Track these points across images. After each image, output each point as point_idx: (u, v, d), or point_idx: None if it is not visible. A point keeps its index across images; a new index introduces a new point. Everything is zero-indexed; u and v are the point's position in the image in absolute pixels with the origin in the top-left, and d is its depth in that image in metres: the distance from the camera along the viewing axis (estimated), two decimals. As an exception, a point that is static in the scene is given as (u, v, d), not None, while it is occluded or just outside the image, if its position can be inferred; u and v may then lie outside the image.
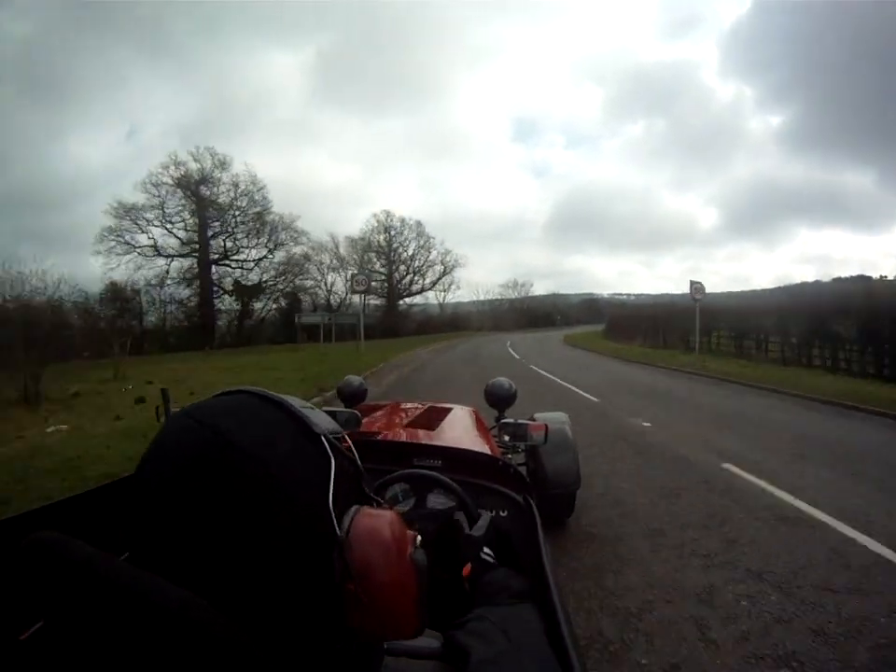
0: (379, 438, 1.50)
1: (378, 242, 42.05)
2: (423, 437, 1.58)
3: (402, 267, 43.18)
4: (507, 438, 1.64)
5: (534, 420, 2.04)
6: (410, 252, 43.35)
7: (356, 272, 33.39)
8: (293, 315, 27.03)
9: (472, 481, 1.09)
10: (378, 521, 0.43)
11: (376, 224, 42.69)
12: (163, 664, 0.28)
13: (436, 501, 1.00)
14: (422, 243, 44.72)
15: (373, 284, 40.71)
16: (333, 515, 0.40)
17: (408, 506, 1.00)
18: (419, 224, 43.58)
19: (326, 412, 1.12)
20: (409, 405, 2.31)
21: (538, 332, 43.06)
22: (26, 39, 34.74)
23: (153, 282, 27.23)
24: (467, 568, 0.87)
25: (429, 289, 44.28)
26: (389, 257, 42.43)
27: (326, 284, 37.22)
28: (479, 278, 53.26)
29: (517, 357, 15.43)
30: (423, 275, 44.16)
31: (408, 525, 0.64)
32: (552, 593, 0.63)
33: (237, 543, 0.36)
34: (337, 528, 0.40)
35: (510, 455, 1.99)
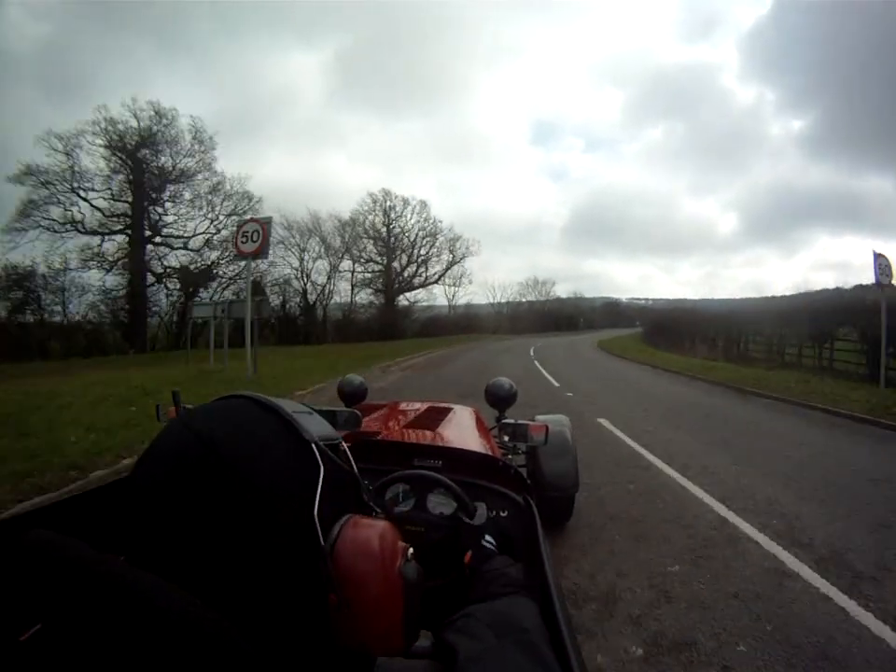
0: (379, 438, 1.54)
1: (373, 224, 36.08)
2: (423, 437, 1.64)
3: (403, 256, 37.12)
4: (506, 438, 1.66)
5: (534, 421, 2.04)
6: (412, 237, 37.28)
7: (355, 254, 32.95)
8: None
9: (472, 481, 1.13)
10: (367, 532, 0.44)
11: (371, 204, 36.65)
12: (162, 664, 0.30)
13: (437, 502, 1.05)
14: (427, 227, 38.52)
15: (367, 275, 36.41)
16: (318, 524, 0.41)
17: (408, 506, 1.05)
18: (424, 205, 37.75)
19: (325, 411, 1.18)
20: (409, 405, 2.37)
21: (561, 337, 39.02)
22: (44, 38, 35.01)
23: (72, 265, 21.88)
24: (468, 556, 0.91)
25: (434, 282, 38.55)
26: (388, 243, 36.24)
27: (306, 273, 31.87)
28: (496, 281, 54.64)
29: (553, 381, 10.49)
30: (427, 266, 38.40)
31: (412, 525, 0.90)
32: (551, 592, 0.65)
33: (219, 549, 0.38)
34: (321, 537, 0.41)
35: (510, 457, 2.07)
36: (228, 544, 0.38)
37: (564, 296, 57.45)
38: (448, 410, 2.21)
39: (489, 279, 56.11)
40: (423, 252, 37.09)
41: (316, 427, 0.47)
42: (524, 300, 52.93)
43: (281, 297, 29.37)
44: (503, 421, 1.75)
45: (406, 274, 36.77)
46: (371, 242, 34.65)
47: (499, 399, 2.53)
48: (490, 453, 1.56)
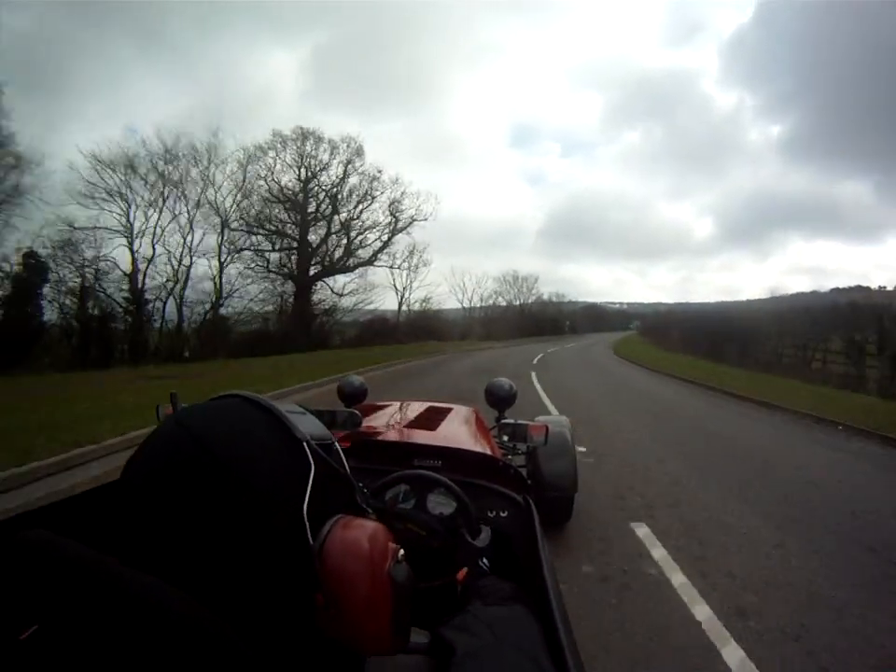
0: (379, 438, 1.61)
1: (277, 181, 24.66)
2: (423, 437, 1.71)
3: (325, 225, 25.86)
4: (506, 438, 1.77)
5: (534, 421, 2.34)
6: (342, 196, 25.63)
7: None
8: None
9: (472, 481, 1.18)
10: (357, 532, 0.45)
11: (279, 146, 24.67)
12: (160, 663, 0.31)
13: (438, 503, 1.09)
14: (363, 186, 26.44)
15: (272, 254, 24.83)
16: (307, 523, 0.43)
17: (408, 506, 1.09)
18: (359, 151, 25.95)
19: (325, 412, 1.39)
20: (409, 405, 2.47)
21: (552, 343, 33.49)
22: (21, 34, 30.42)
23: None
24: (462, 572, 0.94)
25: (369, 262, 26.83)
26: (303, 206, 24.82)
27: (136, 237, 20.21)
28: (468, 281, 50.05)
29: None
30: (362, 239, 26.73)
31: (414, 525, 0.95)
32: (549, 593, 0.68)
33: (211, 547, 0.40)
34: (310, 537, 0.43)
35: (509, 457, 2.25)
36: (219, 542, 0.40)
37: (545, 297, 53.62)
38: (448, 410, 2.32)
39: (464, 280, 49.41)
40: (357, 217, 26.04)
41: (309, 426, 0.49)
42: (501, 300, 47.28)
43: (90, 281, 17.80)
44: (503, 421, 1.85)
45: (332, 251, 25.95)
46: (281, 204, 24.39)
47: (499, 400, 2.65)
48: (490, 453, 1.63)
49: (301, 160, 24.21)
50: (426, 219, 26.57)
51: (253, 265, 22.88)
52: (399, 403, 2.57)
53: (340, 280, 25.81)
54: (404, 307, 29.97)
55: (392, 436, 1.72)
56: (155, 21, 48.69)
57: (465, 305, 41.76)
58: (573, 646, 0.55)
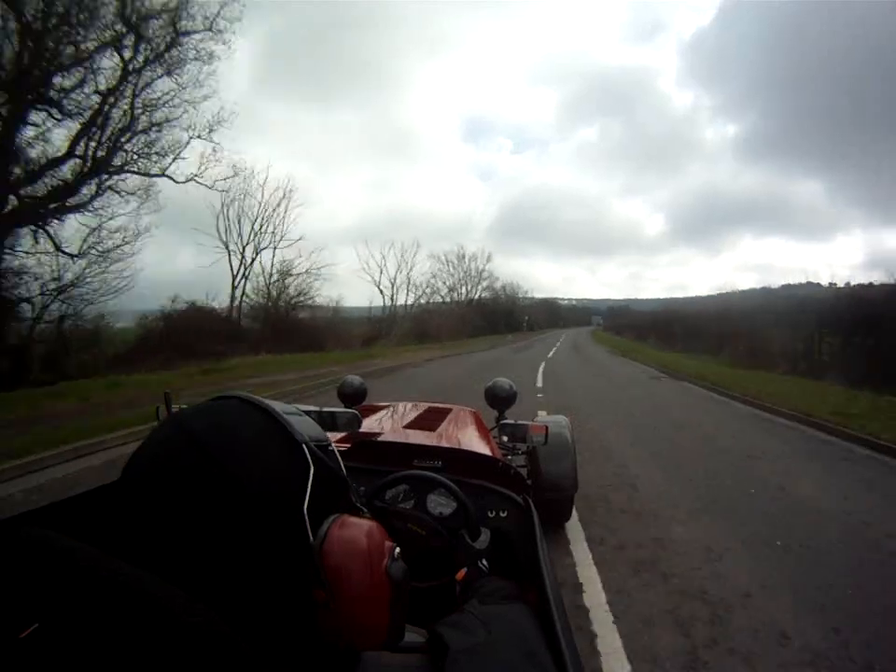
0: (380, 438, 1.63)
1: None
2: (423, 438, 1.74)
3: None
4: (506, 438, 1.78)
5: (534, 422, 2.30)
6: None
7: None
8: None
9: (472, 481, 1.19)
10: (354, 531, 0.46)
11: None
12: (160, 661, 0.32)
13: (438, 503, 1.10)
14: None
15: None
16: (308, 522, 0.44)
17: (408, 506, 1.10)
18: None
19: (326, 412, 1.41)
20: (409, 406, 2.48)
21: (521, 345, 27.39)
22: None
23: None
24: (461, 573, 0.96)
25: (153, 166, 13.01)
26: None
27: None
28: (397, 265, 34.06)
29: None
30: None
31: (414, 525, 0.96)
32: (547, 591, 0.68)
33: (210, 545, 0.41)
34: (310, 535, 0.44)
35: (509, 457, 2.26)
36: (218, 541, 0.41)
37: (499, 287, 44.11)
38: (448, 410, 2.33)
39: (378, 258, 32.03)
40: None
41: (307, 428, 0.50)
42: (441, 287, 35.41)
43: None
44: (503, 422, 1.85)
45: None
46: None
47: (499, 400, 2.61)
48: (490, 453, 1.67)
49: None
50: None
51: None
52: (399, 404, 2.58)
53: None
54: (247, 295, 18.48)
55: (392, 436, 1.73)
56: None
57: (385, 293, 28.89)
58: (572, 644, 0.56)
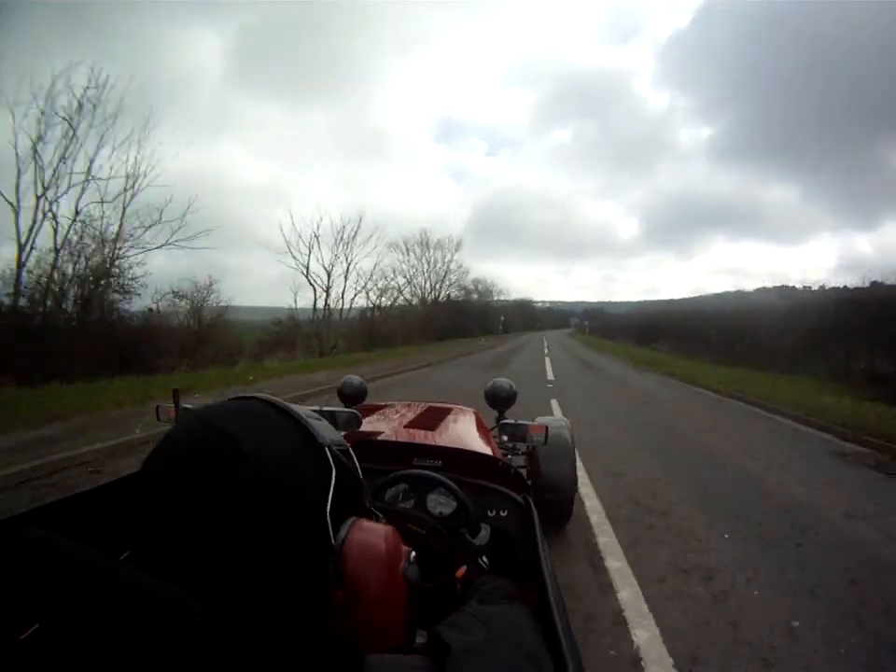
0: (379, 438, 1.63)
1: None
2: (423, 437, 1.74)
3: None
4: (506, 438, 1.80)
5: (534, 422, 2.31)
6: None
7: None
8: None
9: (473, 481, 1.20)
10: (373, 535, 0.48)
11: None
12: (158, 661, 0.32)
13: (438, 502, 1.10)
14: None
15: None
16: (330, 525, 0.45)
17: (408, 505, 1.10)
18: None
19: (326, 412, 1.37)
20: (409, 405, 2.49)
21: (499, 360, 17.51)
22: None
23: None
24: (461, 571, 0.96)
25: None
26: None
27: None
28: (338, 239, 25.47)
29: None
30: None
31: (414, 525, 0.95)
32: (548, 592, 0.68)
33: (233, 541, 0.41)
34: (332, 538, 0.45)
35: (509, 457, 2.27)
36: (247, 541, 0.41)
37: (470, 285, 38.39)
38: (448, 410, 2.35)
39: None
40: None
41: (328, 432, 0.51)
42: (399, 281, 28.31)
43: None
44: (503, 421, 1.85)
45: None
46: None
47: (499, 400, 2.60)
48: (490, 453, 1.66)
49: None
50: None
51: None
52: (399, 404, 2.60)
53: None
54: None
55: (392, 436, 1.74)
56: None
57: (319, 285, 21.03)
58: (572, 644, 0.56)
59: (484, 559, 1.02)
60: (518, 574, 0.96)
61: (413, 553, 0.52)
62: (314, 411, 1.19)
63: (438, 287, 31.54)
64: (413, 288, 29.50)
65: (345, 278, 21.90)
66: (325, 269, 21.15)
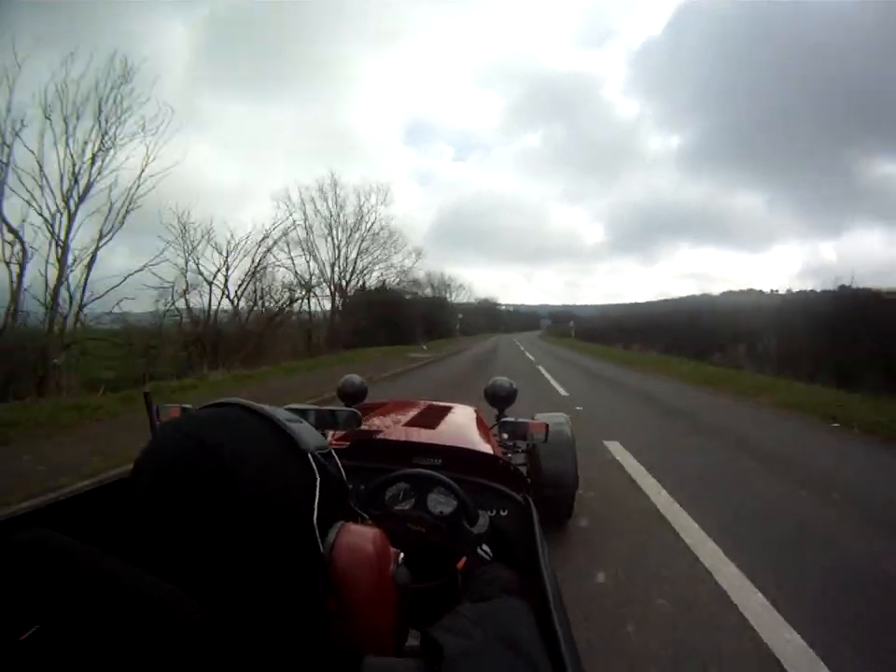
0: (379, 437, 1.63)
1: None
2: (423, 436, 1.73)
3: None
4: (506, 436, 1.81)
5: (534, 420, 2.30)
6: None
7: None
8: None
9: (472, 479, 1.20)
10: (360, 538, 0.47)
11: None
12: (158, 663, 0.32)
13: (438, 501, 1.10)
14: None
15: None
16: (317, 532, 0.45)
17: (408, 505, 1.11)
18: None
19: (326, 411, 1.34)
20: (409, 404, 2.49)
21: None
22: None
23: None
24: (462, 562, 0.97)
25: None
26: None
27: None
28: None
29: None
30: None
31: (414, 524, 0.96)
32: (547, 590, 0.68)
33: (217, 553, 0.41)
34: (320, 545, 0.45)
35: (509, 455, 2.27)
36: (230, 549, 0.41)
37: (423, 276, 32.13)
38: (448, 409, 2.34)
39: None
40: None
41: (309, 436, 0.50)
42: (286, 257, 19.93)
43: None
44: (503, 420, 1.86)
45: None
46: None
47: (499, 398, 2.67)
48: (490, 451, 1.66)
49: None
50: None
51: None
52: (398, 402, 2.60)
53: None
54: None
55: (392, 435, 1.74)
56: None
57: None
58: (571, 645, 0.56)
59: (485, 548, 1.02)
60: (517, 571, 0.97)
61: (402, 555, 0.51)
62: (313, 409, 1.21)
63: (358, 266, 21.77)
64: (321, 271, 20.00)
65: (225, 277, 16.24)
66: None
